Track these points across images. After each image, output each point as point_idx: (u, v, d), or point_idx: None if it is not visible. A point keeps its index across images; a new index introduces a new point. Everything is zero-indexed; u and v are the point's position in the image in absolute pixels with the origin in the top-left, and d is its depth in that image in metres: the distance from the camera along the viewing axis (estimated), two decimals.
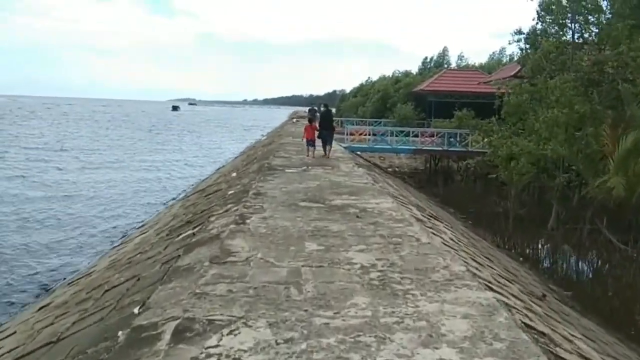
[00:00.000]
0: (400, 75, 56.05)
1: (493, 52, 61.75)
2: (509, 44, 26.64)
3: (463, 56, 62.12)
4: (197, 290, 4.66)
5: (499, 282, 6.15)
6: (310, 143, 16.69)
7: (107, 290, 6.42)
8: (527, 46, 19.87)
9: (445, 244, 6.90)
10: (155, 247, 8.19)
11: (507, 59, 50.38)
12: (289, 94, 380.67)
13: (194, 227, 8.30)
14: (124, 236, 13.31)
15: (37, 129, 53.35)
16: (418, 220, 8.30)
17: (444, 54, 63.04)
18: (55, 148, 34.39)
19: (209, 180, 19.92)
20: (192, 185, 21.25)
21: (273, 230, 6.90)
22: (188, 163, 30.72)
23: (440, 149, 24.00)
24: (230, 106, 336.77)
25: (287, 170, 13.66)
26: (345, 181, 11.93)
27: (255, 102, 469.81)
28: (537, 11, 18.98)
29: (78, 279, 9.28)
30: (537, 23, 19.69)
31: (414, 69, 60.79)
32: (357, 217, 8.04)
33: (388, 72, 62.76)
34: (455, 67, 54.21)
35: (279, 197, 9.47)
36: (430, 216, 10.70)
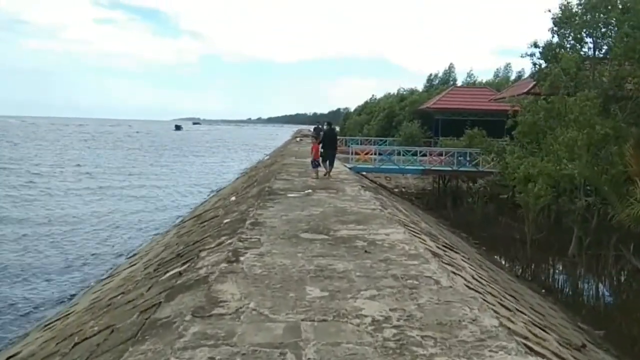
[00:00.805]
0: (405, 92, 55.48)
1: (498, 69, 61.07)
2: (522, 57, 25.72)
3: (472, 73, 61.57)
4: (172, 358, 3.82)
5: (535, 336, 5.26)
6: (315, 163, 16.55)
7: (76, 344, 5.58)
8: (542, 61, 19.11)
9: (468, 286, 6.04)
10: (139, 287, 7.36)
11: (515, 75, 49.83)
12: (293, 113, 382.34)
13: (183, 263, 7.48)
14: (112, 267, 12.47)
15: (35, 150, 52.81)
16: (434, 255, 7.44)
17: (449, 70, 62.47)
18: (47, 172, 33.62)
19: (207, 203, 19.13)
20: (191, 208, 20.41)
21: (270, 271, 6.07)
22: (187, 185, 29.72)
23: (449, 169, 23.15)
24: (234, 125, 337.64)
25: (288, 195, 12.89)
26: (351, 207, 11.12)
27: (259, 120, 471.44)
28: (553, 24, 18.29)
29: (55, 320, 8.43)
30: (552, 37, 18.98)
31: (419, 86, 60.27)
32: (366, 252, 7.21)
33: (392, 90, 62.30)
34: (463, 84, 53.63)
35: (279, 228, 8.66)
36: (445, 246, 9.83)
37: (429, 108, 41.19)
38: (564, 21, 17.83)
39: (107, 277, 11.22)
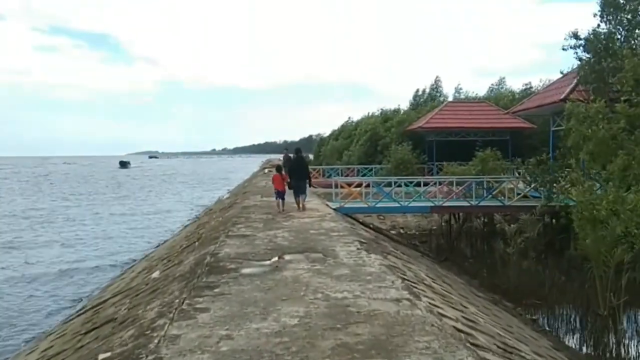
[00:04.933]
0: (389, 112, 51.58)
1: (492, 84, 57.68)
2: (564, 50, 22.36)
3: (461, 89, 58.02)
4: None
5: None
6: (281, 195, 15.84)
7: None
8: (587, 54, 15.40)
9: None
10: None
11: (523, 87, 46.32)
12: (262, 142, 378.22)
13: None
14: None
15: None
16: None
17: (436, 85, 58.89)
18: None
19: (120, 281, 13.98)
20: (97, 289, 14.86)
21: None
22: (114, 245, 23.11)
23: (467, 204, 18.77)
24: (196, 157, 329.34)
25: (243, 271, 8.22)
26: (356, 298, 6.51)
27: (224, 151, 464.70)
28: (600, 7, 14.68)
29: None
30: (598, 25, 15.38)
31: (402, 105, 56.43)
32: None
33: (371, 111, 58.15)
34: (455, 100, 50.10)
35: None
36: None
37: (421, 128, 37.28)
38: (617, 5, 14.18)
39: None
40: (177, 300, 6.59)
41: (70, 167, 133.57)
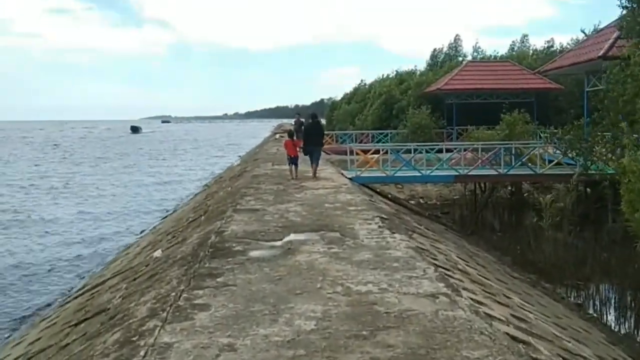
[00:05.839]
0: (404, 74, 49.70)
1: (513, 42, 55.14)
2: None
3: (479, 47, 55.50)
4: None
5: None
6: (293, 161, 15.47)
7: None
8: (635, 4, 13.99)
9: None
10: None
11: (545, 45, 44.25)
12: (273, 106, 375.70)
13: None
14: None
15: None
16: None
17: (456, 44, 56.42)
18: None
19: (126, 256, 13.19)
20: (100, 266, 13.93)
21: None
22: (119, 219, 22.08)
23: (494, 173, 17.58)
24: (208, 121, 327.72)
25: (251, 254, 7.33)
26: (382, 292, 5.57)
27: (236, 115, 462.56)
28: None
29: None
30: None
31: (419, 67, 54.27)
32: None
33: (381, 75, 55.97)
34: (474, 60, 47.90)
35: None
36: None
37: (439, 90, 35.66)
38: None
39: None
40: (173, 294, 5.68)
41: (84, 131, 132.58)
